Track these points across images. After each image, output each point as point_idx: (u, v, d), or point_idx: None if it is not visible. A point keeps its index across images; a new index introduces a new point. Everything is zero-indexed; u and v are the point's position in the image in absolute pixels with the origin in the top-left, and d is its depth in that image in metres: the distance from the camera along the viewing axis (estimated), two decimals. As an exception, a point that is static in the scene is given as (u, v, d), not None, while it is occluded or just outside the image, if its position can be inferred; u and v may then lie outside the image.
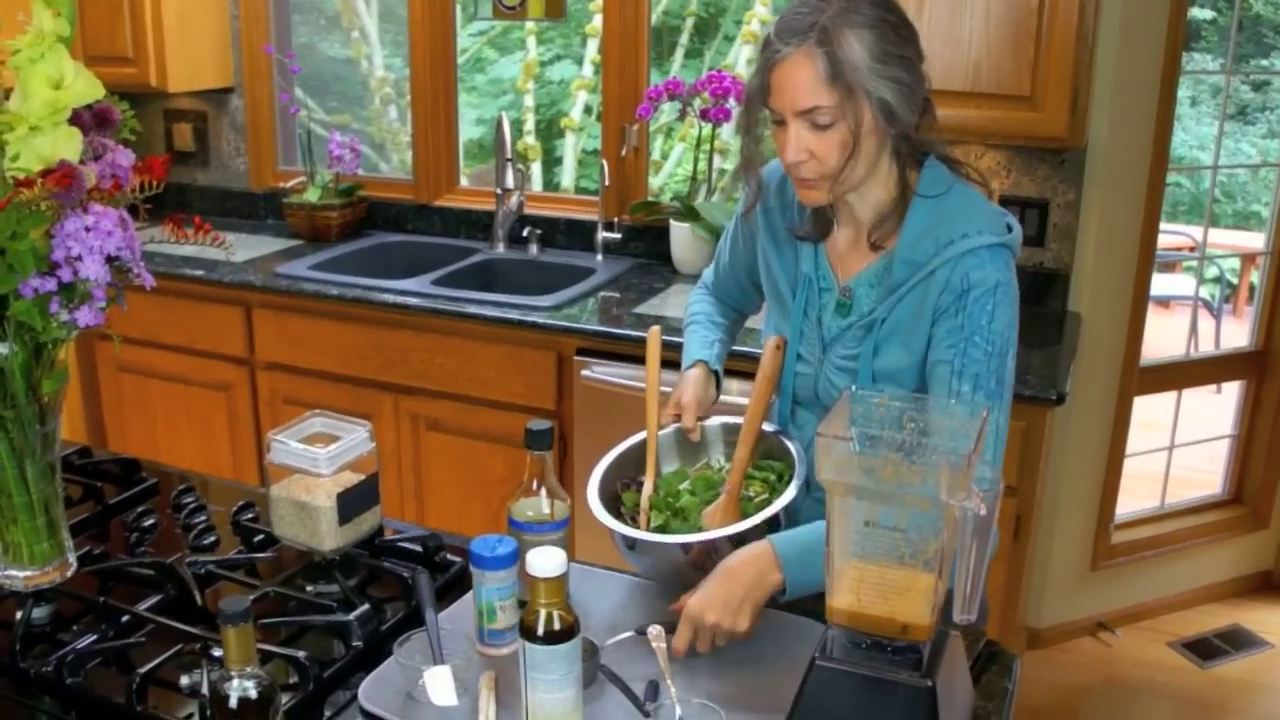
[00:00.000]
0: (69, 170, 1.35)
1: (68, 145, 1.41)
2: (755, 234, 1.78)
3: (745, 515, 1.54)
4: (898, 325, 1.59)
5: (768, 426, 1.67)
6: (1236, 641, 3.50)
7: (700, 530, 1.55)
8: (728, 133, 3.40)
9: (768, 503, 1.54)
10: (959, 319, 1.52)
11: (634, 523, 1.59)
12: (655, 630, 1.38)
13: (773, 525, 1.50)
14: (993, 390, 1.52)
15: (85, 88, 1.43)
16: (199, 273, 3.30)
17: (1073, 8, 2.54)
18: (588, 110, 5.43)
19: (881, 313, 1.60)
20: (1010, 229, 1.58)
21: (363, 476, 1.65)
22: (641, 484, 1.64)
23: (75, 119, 1.45)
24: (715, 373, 1.81)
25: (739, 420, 1.67)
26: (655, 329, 1.72)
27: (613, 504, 1.60)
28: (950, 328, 1.53)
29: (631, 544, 1.52)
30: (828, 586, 1.29)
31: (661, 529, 1.57)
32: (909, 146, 1.57)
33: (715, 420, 1.72)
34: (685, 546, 1.49)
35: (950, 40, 2.65)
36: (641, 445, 1.69)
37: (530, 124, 5.71)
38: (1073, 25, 2.55)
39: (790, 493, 1.53)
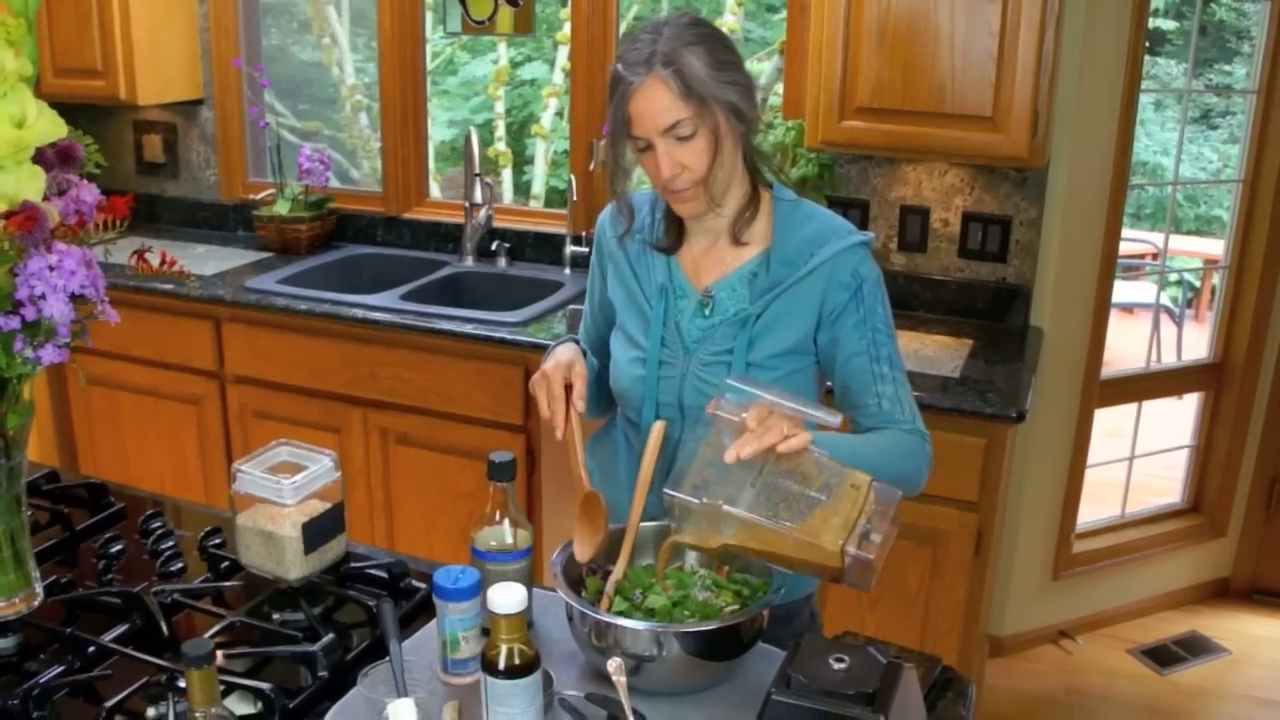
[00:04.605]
0: (32, 212, 1.36)
1: (30, 185, 1.42)
2: (618, 259, 1.87)
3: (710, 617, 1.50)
4: (775, 319, 1.73)
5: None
6: (1194, 648, 3.57)
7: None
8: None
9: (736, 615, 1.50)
10: (860, 312, 1.71)
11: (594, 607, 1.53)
12: (615, 663, 1.40)
13: (732, 636, 1.46)
14: (899, 366, 1.74)
15: (48, 127, 1.44)
16: (168, 286, 3.29)
17: (1034, 31, 2.57)
18: (559, 114, 5.44)
19: (757, 308, 1.73)
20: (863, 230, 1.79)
21: (328, 505, 1.67)
22: (609, 571, 1.61)
23: (38, 156, 1.46)
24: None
25: None
26: (661, 423, 1.68)
27: (574, 586, 1.56)
28: (855, 322, 1.71)
29: (580, 617, 1.48)
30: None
31: (623, 616, 1.49)
32: (752, 150, 1.74)
33: None
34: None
35: (916, 63, 2.69)
36: (616, 534, 1.64)
37: (501, 129, 5.72)
38: (1033, 48, 2.58)
39: (763, 605, 1.48)
